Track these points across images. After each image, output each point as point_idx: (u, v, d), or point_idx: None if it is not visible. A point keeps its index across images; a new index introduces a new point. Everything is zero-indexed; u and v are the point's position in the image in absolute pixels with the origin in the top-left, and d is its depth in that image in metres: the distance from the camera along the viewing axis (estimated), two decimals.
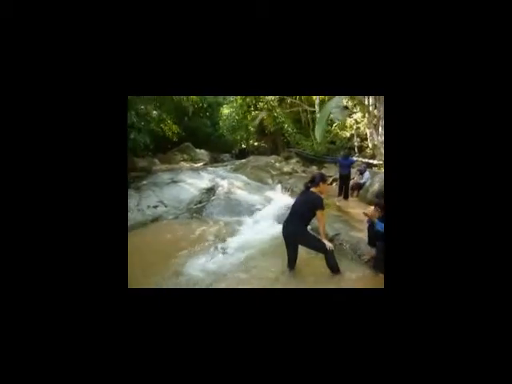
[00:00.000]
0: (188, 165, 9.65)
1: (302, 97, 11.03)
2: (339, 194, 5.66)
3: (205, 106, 12.19)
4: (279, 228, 2.83)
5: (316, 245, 2.60)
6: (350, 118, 9.99)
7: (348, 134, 10.54)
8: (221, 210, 4.98)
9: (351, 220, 4.09)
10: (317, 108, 10.09)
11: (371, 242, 2.98)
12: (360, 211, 4.55)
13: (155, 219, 4.67)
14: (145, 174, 6.79)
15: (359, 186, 5.77)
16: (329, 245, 2.57)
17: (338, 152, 8.54)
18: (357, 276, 2.68)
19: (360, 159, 8.20)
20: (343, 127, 10.30)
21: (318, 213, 2.52)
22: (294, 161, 9.47)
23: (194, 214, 4.90)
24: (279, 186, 6.13)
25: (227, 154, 13.14)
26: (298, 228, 2.59)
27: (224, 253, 3.30)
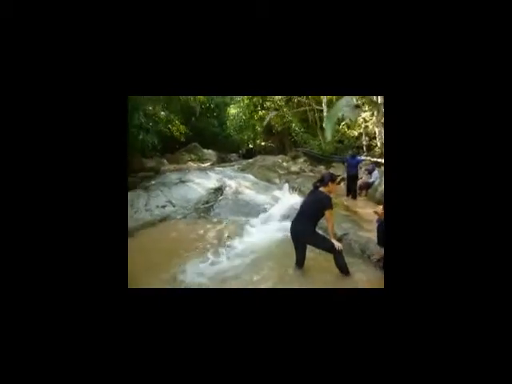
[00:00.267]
0: (195, 165, 9.71)
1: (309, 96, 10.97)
2: (348, 194, 5.61)
3: (212, 106, 12.25)
4: (286, 228, 2.81)
5: (325, 245, 2.58)
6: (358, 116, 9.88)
7: (356, 133, 10.43)
8: (228, 209, 4.99)
9: (360, 220, 4.05)
10: (324, 107, 10.02)
11: (381, 241, 2.93)
12: (369, 211, 4.50)
13: (163, 219, 4.71)
14: (153, 174, 6.86)
15: (368, 186, 5.70)
16: (338, 245, 2.54)
17: (346, 151, 8.47)
18: (367, 276, 2.64)
19: (368, 158, 8.10)
20: (354, 126, 10.18)
21: (327, 212, 2.49)
22: (301, 160, 9.43)
23: (202, 214, 4.92)
24: (287, 185, 6.10)
25: (234, 154, 13.18)
26: (306, 227, 2.58)
27: (229, 255, 3.28)
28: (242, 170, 7.72)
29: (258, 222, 4.36)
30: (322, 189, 2.59)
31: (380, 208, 3.06)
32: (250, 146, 13.37)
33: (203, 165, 9.76)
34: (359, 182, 5.76)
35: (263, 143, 13.22)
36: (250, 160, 8.94)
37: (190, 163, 10.12)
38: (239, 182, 6.02)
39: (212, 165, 9.83)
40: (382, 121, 7.43)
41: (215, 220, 4.67)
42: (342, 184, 6.27)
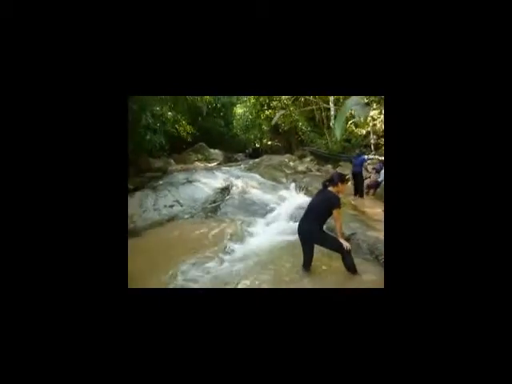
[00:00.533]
0: (202, 165, 9.76)
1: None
2: (355, 193, 5.57)
3: (218, 105, 12.28)
4: (294, 228, 2.80)
5: (332, 244, 2.56)
6: None
7: (364, 132, 10.33)
8: (235, 209, 5.00)
9: (368, 219, 4.01)
10: (331, 105, 9.94)
11: None
12: (377, 210, 4.45)
13: (171, 218, 4.75)
14: (161, 174, 6.92)
15: (376, 185, 5.65)
16: (346, 244, 2.52)
17: (354, 150, 8.40)
18: (376, 277, 2.61)
19: (377, 157, 8.02)
20: (362, 125, 10.08)
21: (335, 212, 2.48)
22: (308, 159, 9.39)
23: (209, 214, 4.94)
24: (293, 184, 6.08)
25: (241, 154, 13.20)
26: (313, 227, 2.56)
27: (233, 256, 3.28)
28: (249, 169, 7.73)
29: (265, 222, 4.36)
30: (330, 188, 2.57)
31: None
32: (257, 145, 13.37)
33: (210, 165, 9.81)
34: (368, 181, 5.71)
35: (270, 142, 13.21)
36: (257, 159, 8.94)
37: (197, 163, 10.18)
38: (246, 182, 6.03)
39: (219, 164, 9.87)
40: None
41: (222, 219, 4.68)
42: (349, 183, 6.23)
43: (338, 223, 2.54)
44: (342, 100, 9.25)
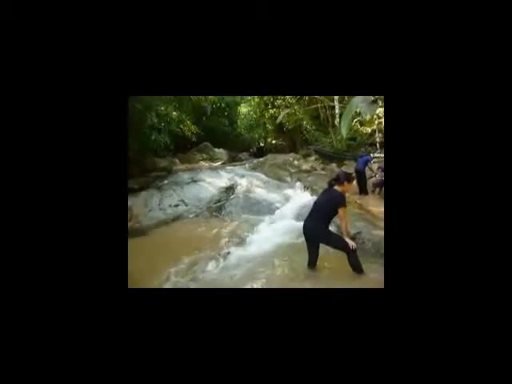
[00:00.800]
0: (207, 164, 9.80)
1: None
2: (360, 192, 5.55)
3: (223, 105, 12.30)
4: (298, 227, 2.79)
5: (338, 243, 2.55)
6: None
7: (369, 130, 10.23)
8: (240, 208, 5.00)
9: (373, 218, 3.97)
10: (336, 104, 9.87)
11: None
12: (383, 209, 4.41)
13: (176, 218, 4.77)
14: (166, 173, 6.96)
15: (382, 183, 5.59)
16: (351, 243, 2.50)
17: (359, 149, 8.34)
18: (380, 276, 2.59)
19: (382, 156, 7.94)
20: (367, 123, 9.99)
21: (340, 210, 2.46)
22: (312, 158, 9.35)
23: (214, 213, 4.96)
24: (298, 183, 6.07)
25: (245, 153, 13.20)
26: (319, 225, 2.55)
27: (237, 255, 3.28)
28: (253, 168, 7.73)
29: (270, 221, 4.35)
30: (336, 187, 2.56)
31: None
32: (261, 144, 13.35)
33: (214, 164, 9.84)
34: (373, 180, 5.68)
35: (274, 141, 13.17)
36: (261, 159, 8.94)
37: (202, 162, 10.22)
38: (250, 181, 6.03)
39: (223, 164, 9.89)
40: None
41: (226, 219, 4.69)
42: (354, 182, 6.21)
43: (344, 222, 2.53)
44: (347, 98, 9.18)
